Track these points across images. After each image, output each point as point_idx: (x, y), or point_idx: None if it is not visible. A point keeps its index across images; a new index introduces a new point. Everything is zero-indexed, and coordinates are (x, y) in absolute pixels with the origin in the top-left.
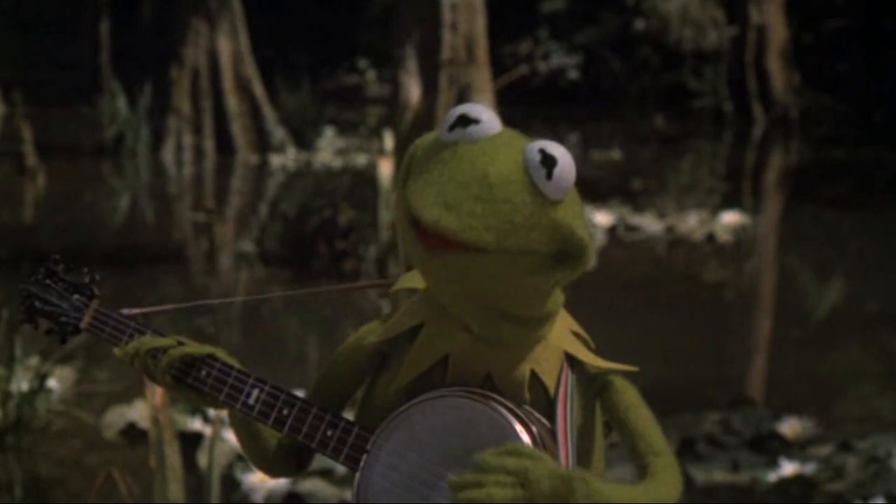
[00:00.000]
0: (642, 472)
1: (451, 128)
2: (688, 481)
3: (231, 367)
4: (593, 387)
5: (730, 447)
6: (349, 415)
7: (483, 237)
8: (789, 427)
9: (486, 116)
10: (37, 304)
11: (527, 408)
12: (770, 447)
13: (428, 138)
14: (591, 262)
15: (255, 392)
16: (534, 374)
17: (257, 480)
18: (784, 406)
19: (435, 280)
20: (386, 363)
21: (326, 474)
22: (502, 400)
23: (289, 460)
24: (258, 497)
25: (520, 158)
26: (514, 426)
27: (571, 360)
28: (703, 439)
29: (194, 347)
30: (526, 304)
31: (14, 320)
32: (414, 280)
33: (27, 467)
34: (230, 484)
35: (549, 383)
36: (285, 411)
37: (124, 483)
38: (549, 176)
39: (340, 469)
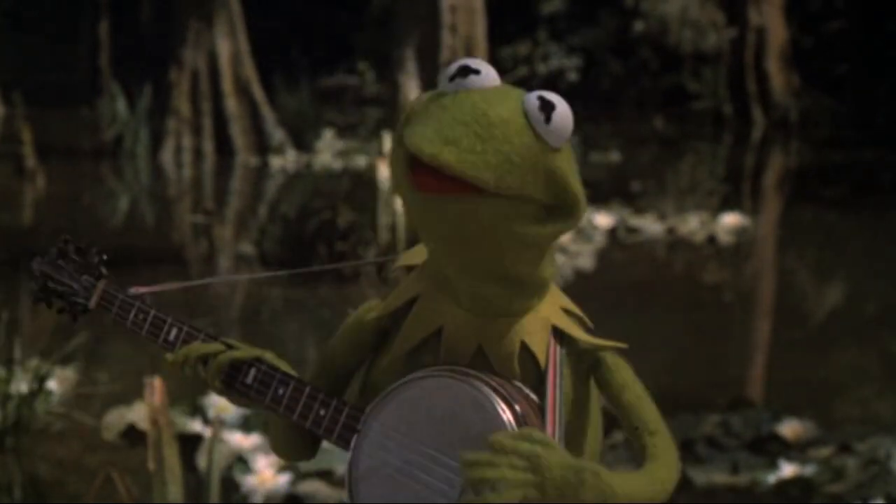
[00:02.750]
0: (640, 451)
1: (452, 78)
2: (687, 483)
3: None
4: (584, 363)
5: (729, 449)
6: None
7: (482, 174)
8: (789, 428)
9: (486, 69)
10: (50, 284)
11: (516, 384)
12: (770, 449)
13: (426, 94)
14: (581, 219)
15: (253, 371)
16: (524, 347)
17: (257, 482)
18: (784, 408)
19: (428, 225)
20: (386, 339)
21: (326, 476)
22: (487, 378)
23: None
24: (257, 498)
25: (519, 104)
26: (496, 405)
27: (560, 335)
28: (702, 441)
29: (243, 351)
30: (516, 259)
31: (30, 298)
32: (414, 257)
33: (27, 469)
34: (229, 485)
35: (540, 355)
36: (280, 391)
37: (123, 484)
38: (548, 121)
39: (340, 470)
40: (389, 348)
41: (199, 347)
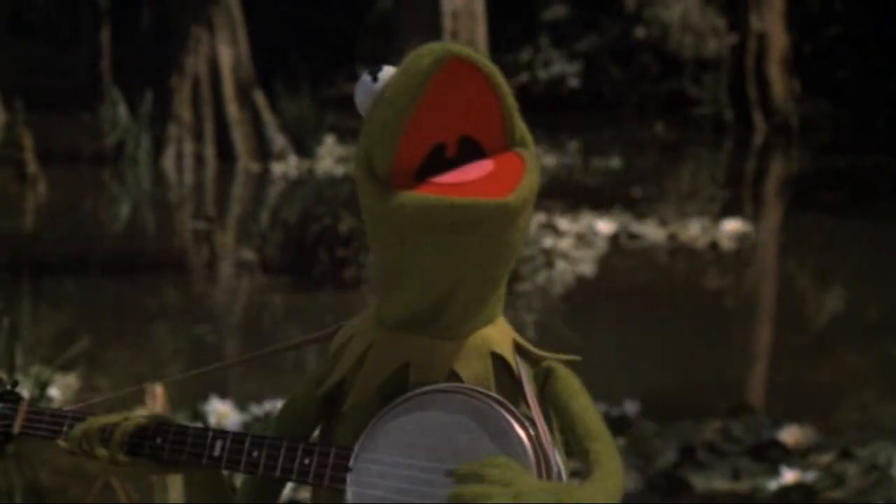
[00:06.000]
0: (583, 457)
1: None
2: (688, 489)
3: (186, 427)
4: (538, 376)
5: (730, 455)
6: None
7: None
8: (790, 435)
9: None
10: None
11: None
12: (771, 455)
13: None
14: None
15: (219, 443)
16: (496, 357)
17: None
18: (785, 414)
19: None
20: (340, 398)
21: None
22: (491, 393)
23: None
24: None
25: None
26: (508, 419)
27: (518, 349)
28: (703, 447)
29: (144, 417)
30: (513, 256)
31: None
32: (355, 328)
33: (27, 474)
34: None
35: (511, 361)
36: (255, 453)
37: (123, 490)
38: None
39: None
40: (344, 403)
41: (97, 420)
